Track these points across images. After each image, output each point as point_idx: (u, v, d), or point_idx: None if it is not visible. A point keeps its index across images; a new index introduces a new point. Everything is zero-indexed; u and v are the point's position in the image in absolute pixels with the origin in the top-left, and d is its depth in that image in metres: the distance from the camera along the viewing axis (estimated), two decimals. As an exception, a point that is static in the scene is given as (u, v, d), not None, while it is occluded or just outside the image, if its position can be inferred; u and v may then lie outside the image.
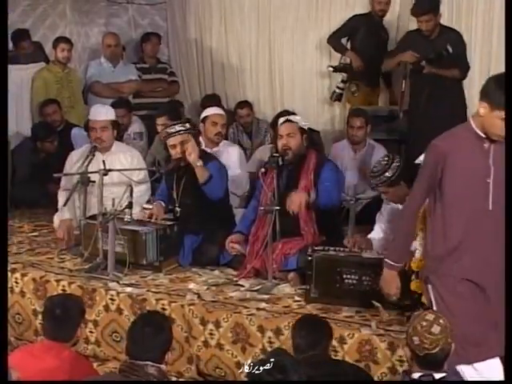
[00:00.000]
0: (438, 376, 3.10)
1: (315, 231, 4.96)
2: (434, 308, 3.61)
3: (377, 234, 4.85)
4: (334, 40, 7.29)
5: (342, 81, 7.19)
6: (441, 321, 3.12)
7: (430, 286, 3.68)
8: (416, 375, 3.15)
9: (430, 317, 3.13)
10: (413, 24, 7.07)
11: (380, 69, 7.27)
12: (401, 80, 6.51)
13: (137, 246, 5.03)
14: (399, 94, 6.55)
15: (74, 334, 3.65)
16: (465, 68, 6.41)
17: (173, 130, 5.27)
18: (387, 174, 4.54)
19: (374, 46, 7.13)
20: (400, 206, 4.66)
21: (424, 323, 3.10)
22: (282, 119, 5.24)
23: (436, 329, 3.08)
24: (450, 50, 6.33)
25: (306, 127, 5.14)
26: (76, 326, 3.67)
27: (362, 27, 7.13)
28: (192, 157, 5.08)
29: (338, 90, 7.23)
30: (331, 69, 7.33)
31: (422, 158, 5.34)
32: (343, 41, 7.31)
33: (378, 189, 4.72)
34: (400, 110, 6.49)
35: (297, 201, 4.80)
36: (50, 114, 7.00)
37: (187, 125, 5.31)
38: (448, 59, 6.31)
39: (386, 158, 4.62)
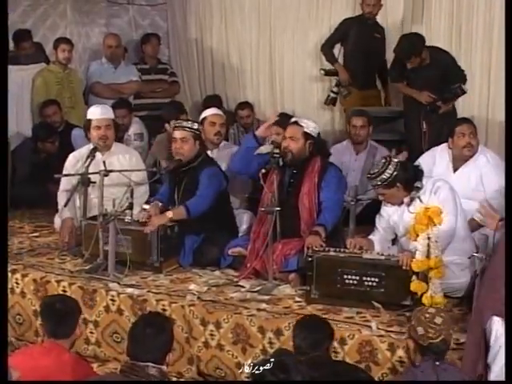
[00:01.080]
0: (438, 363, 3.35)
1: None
2: (497, 345, 3.52)
3: (377, 235, 4.85)
4: (327, 49, 7.32)
5: (336, 84, 7.20)
6: (442, 314, 3.41)
7: (496, 320, 3.53)
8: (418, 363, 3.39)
9: (432, 310, 3.45)
10: (416, 27, 7.12)
11: (374, 70, 7.27)
12: (421, 120, 6.49)
13: (142, 246, 5.04)
14: (421, 134, 6.51)
15: (74, 330, 3.67)
16: (465, 79, 6.49)
17: (180, 124, 5.34)
18: (384, 175, 4.53)
19: (367, 47, 7.14)
20: (398, 207, 4.66)
21: (427, 315, 3.38)
22: (292, 120, 5.24)
23: (438, 320, 3.36)
24: (465, 88, 6.45)
25: (313, 133, 5.08)
26: (76, 321, 3.69)
27: (353, 30, 7.14)
28: (155, 225, 5.02)
29: (332, 94, 7.24)
30: (323, 72, 7.34)
31: (420, 160, 5.38)
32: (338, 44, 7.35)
33: (375, 190, 4.72)
34: (425, 149, 6.49)
35: (311, 243, 4.70)
36: (50, 114, 7.00)
37: (195, 125, 5.36)
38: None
39: (383, 161, 4.61)
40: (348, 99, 7.19)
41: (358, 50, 7.16)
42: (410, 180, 4.58)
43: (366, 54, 7.14)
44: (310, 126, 5.09)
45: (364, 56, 7.14)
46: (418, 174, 4.64)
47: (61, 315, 3.64)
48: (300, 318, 3.93)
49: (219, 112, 6.11)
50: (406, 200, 4.62)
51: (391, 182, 4.54)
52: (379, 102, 7.48)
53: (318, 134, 5.17)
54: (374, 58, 7.23)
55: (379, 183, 4.56)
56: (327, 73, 7.33)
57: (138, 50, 8.18)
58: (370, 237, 4.84)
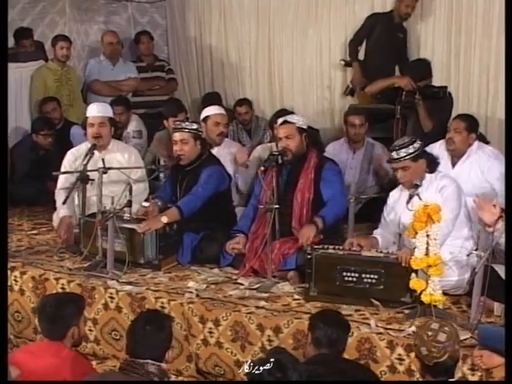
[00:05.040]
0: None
1: None
2: None
3: (382, 228, 4.84)
4: (353, 45, 7.31)
5: None
6: (446, 328, 3.14)
7: None
8: None
9: (435, 326, 3.17)
10: (415, 23, 7.11)
11: (393, 68, 7.25)
12: (396, 106, 6.49)
13: (134, 245, 5.04)
14: (394, 121, 6.52)
15: (66, 333, 3.61)
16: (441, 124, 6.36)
17: (179, 126, 5.31)
18: (411, 148, 4.54)
19: (389, 45, 7.12)
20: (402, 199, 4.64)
21: (430, 333, 3.13)
22: (280, 120, 5.20)
23: (442, 336, 3.11)
24: (448, 92, 6.50)
25: (304, 126, 5.11)
26: (67, 325, 3.62)
27: (379, 26, 7.13)
28: (153, 228, 5.00)
29: (351, 85, 7.25)
30: (343, 62, 7.37)
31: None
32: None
33: (399, 165, 4.59)
34: (396, 138, 6.48)
35: (306, 234, 4.74)
36: (48, 111, 7.00)
37: (194, 125, 5.32)
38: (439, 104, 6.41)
39: (408, 138, 4.65)
40: (363, 93, 7.18)
41: (379, 46, 7.15)
42: (432, 159, 4.63)
43: (386, 51, 7.12)
44: (300, 121, 5.12)
45: (384, 53, 7.13)
46: (436, 158, 4.71)
47: (51, 318, 3.60)
48: (325, 311, 3.91)
49: (222, 111, 6.07)
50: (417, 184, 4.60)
51: (418, 155, 4.55)
52: None
53: (309, 127, 5.18)
54: (394, 57, 7.22)
55: (408, 153, 4.54)
56: (347, 64, 7.37)
57: (135, 47, 8.18)
58: (375, 231, 4.84)
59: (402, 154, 4.57)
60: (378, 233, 4.85)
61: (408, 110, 6.48)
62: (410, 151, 4.56)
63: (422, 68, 6.68)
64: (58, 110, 7.05)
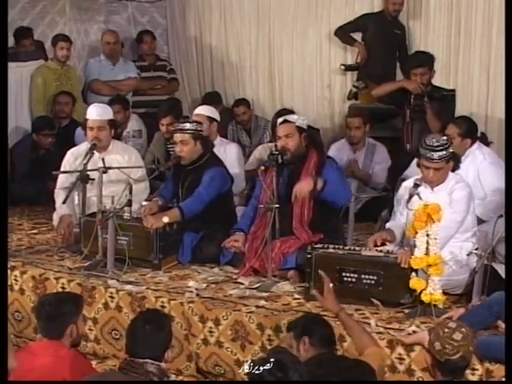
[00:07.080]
0: None
1: (307, 230, 4.93)
2: None
3: (395, 219, 4.80)
4: (341, 32, 7.34)
5: (358, 79, 7.22)
6: (463, 329, 3.16)
7: None
8: None
9: (453, 325, 3.19)
10: (415, 23, 7.12)
11: (394, 66, 7.24)
12: (405, 110, 6.46)
13: (144, 242, 5.04)
14: (403, 124, 6.49)
15: (64, 331, 3.60)
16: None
17: (178, 127, 5.30)
18: (449, 150, 4.47)
19: (385, 43, 7.14)
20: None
21: (446, 329, 3.15)
22: (280, 119, 5.20)
23: (458, 336, 3.13)
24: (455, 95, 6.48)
25: (304, 126, 5.11)
26: (65, 323, 3.61)
27: (372, 26, 7.15)
28: (155, 226, 5.00)
29: (354, 89, 7.26)
30: (343, 67, 7.38)
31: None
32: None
33: (435, 165, 4.48)
34: (407, 141, 6.45)
35: (304, 188, 4.76)
36: (60, 102, 7.06)
37: (194, 125, 5.28)
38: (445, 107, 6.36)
39: (445, 138, 4.55)
40: (365, 93, 7.18)
41: (376, 46, 7.17)
42: (458, 161, 4.62)
43: (384, 49, 7.14)
44: (299, 120, 5.12)
45: (383, 52, 7.15)
46: (460, 159, 4.72)
47: (49, 317, 3.59)
48: (303, 317, 3.85)
49: (202, 112, 6.00)
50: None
51: (451, 157, 4.50)
52: None
53: (309, 126, 5.18)
54: (394, 54, 7.22)
55: (446, 155, 4.46)
56: (347, 68, 7.38)
57: (137, 47, 8.17)
58: (387, 224, 4.81)
59: (441, 155, 4.46)
60: (390, 225, 4.78)
61: (415, 111, 6.46)
62: (449, 152, 4.47)
63: (421, 57, 6.54)
64: (69, 105, 7.11)
